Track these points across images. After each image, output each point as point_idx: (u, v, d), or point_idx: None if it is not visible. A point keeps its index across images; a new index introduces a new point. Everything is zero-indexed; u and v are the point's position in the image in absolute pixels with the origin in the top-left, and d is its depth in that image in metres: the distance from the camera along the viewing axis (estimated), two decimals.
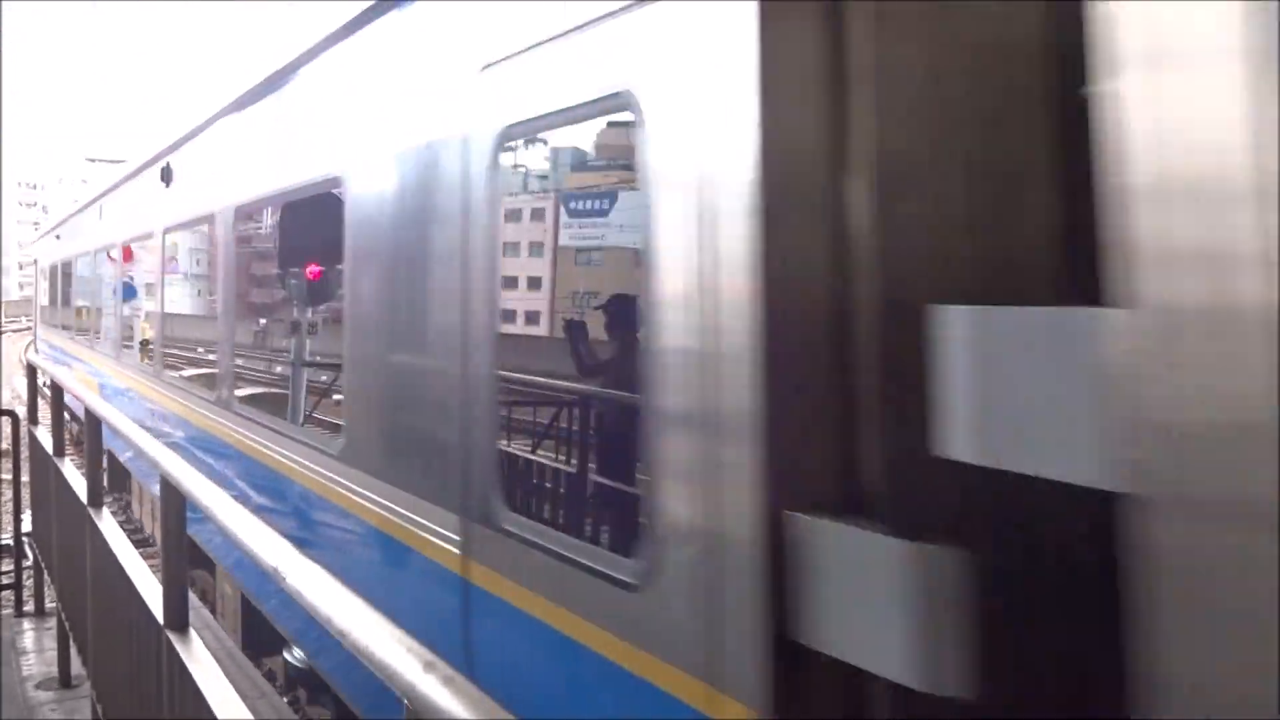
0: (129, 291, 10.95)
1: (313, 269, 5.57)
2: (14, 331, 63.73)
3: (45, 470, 6.76)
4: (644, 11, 2.48)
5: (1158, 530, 1.27)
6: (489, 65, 3.27)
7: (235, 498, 2.91)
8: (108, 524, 4.48)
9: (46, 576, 7.42)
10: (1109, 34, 1.32)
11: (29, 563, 8.48)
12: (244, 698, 2.72)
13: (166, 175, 8.74)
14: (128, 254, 10.90)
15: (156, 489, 10.07)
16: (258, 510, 3.71)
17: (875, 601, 1.86)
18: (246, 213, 6.59)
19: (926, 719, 1.87)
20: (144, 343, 10.19)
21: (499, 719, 1.43)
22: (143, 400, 9.47)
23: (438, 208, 3.67)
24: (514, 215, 3.37)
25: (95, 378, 11.96)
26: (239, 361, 6.74)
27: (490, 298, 3.25)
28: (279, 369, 6.48)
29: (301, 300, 5.83)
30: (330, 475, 4.64)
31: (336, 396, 5.26)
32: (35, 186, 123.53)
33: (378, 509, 4.09)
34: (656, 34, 2.44)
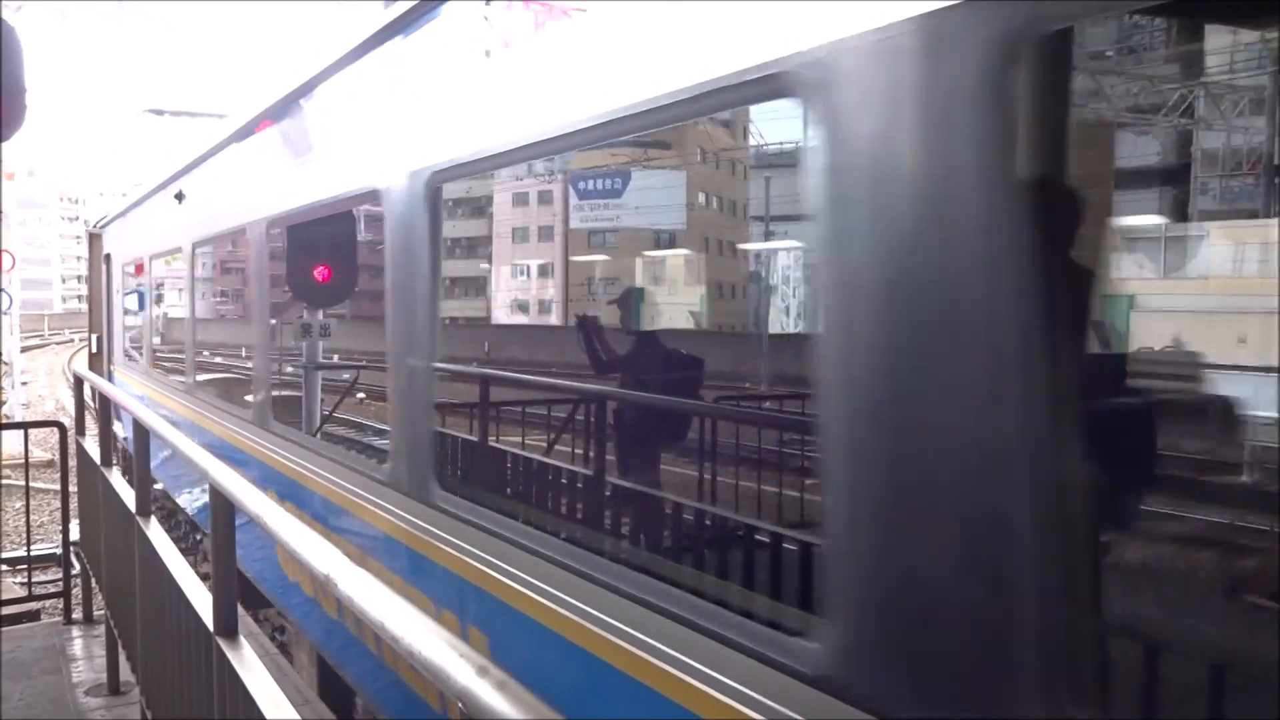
0: None
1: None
2: (59, 344, 65.02)
3: (92, 480, 6.88)
4: None
5: None
6: None
7: None
8: (156, 533, 4.55)
9: (94, 585, 7.55)
10: None
11: (76, 571, 8.65)
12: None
13: None
14: None
15: (182, 500, 10.05)
16: None
17: None
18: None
19: None
20: None
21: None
22: None
23: None
24: None
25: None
26: None
27: None
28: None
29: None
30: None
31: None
32: (77, 201, 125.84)
33: None
34: None
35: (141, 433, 5.16)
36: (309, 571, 2.27)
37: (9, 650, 7.24)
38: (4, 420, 21.24)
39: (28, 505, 9.48)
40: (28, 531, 9.83)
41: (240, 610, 3.46)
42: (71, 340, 68.67)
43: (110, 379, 14.66)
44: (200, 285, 9.64)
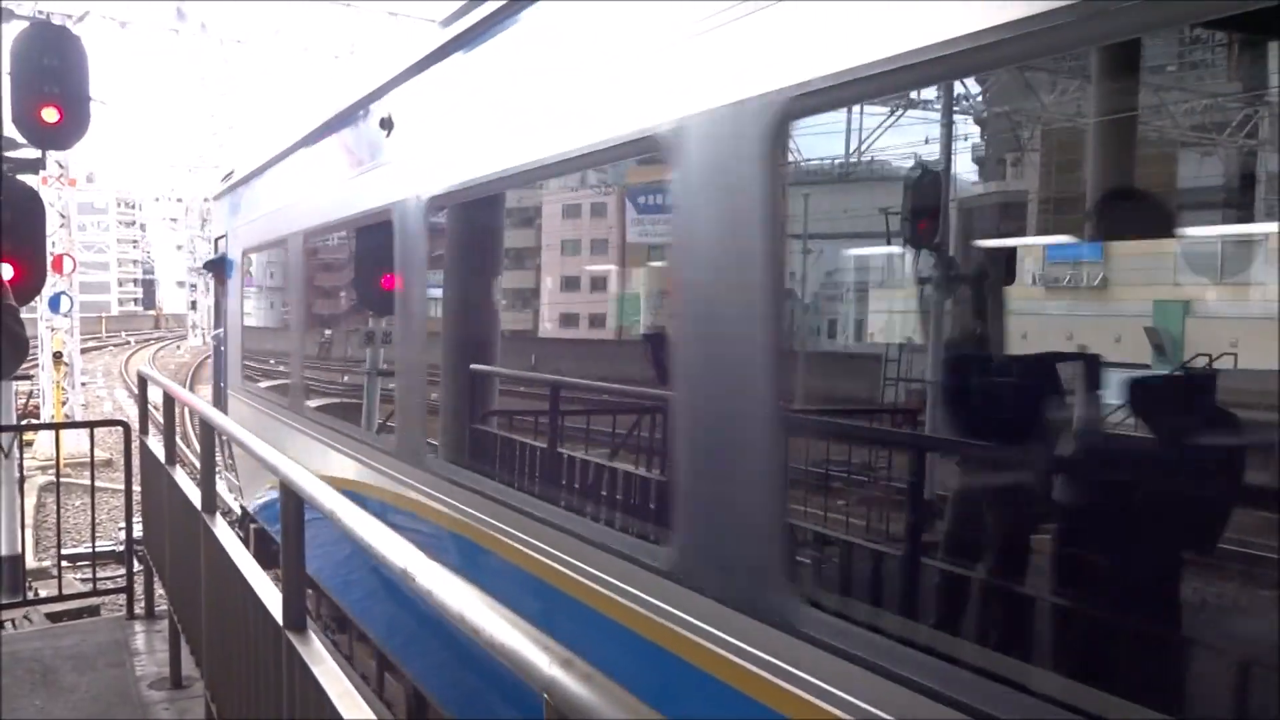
0: None
1: None
2: (116, 345, 66.47)
3: (156, 479, 7.03)
4: None
5: None
6: None
7: None
8: (222, 529, 4.63)
9: (156, 580, 7.70)
10: None
11: (138, 568, 8.83)
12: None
13: None
14: None
15: (246, 503, 10.01)
16: None
17: None
18: None
19: None
20: None
21: (640, 716, 1.45)
22: None
23: None
24: None
25: None
26: None
27: None
28: None
29: None
30: None
31: None
32: (134, 206, 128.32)
33: None
34: None
35: (208, 431, 5.26)
36: (386, 566, 2.31)
37: (74, 644, 7.42)
38: (67, 420, 21.73)
39: (93, 502, 9.67)
40: (92, 528, 10.05)
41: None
42: (128, 342, 70.08)
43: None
44: None
